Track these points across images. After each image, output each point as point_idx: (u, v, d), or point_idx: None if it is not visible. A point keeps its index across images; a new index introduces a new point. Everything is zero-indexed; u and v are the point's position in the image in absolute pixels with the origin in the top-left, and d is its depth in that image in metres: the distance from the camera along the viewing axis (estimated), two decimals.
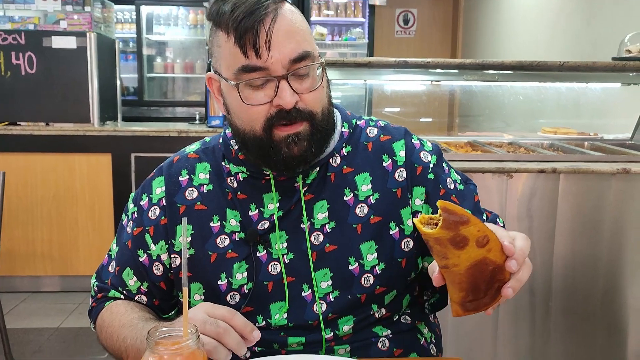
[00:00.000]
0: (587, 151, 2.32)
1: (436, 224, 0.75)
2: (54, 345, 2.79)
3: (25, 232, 3.32)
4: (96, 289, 1.10)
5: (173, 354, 0.74)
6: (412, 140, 1.08)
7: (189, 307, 0.86)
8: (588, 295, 2.11)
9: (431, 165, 1.06)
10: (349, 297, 1.02)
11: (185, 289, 0.79)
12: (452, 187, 1.06)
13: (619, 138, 2.66)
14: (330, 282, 1.02)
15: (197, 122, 3.76)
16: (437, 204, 0.76)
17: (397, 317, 1.09)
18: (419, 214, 1.04)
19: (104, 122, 3.44)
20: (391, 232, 1.03)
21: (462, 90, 3.04)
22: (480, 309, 0.80)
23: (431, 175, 1.05)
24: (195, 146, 1.11)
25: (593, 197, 2.06)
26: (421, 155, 1.06)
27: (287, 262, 1.01)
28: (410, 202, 1.04)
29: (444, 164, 1.09)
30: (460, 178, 1.10)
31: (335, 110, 1.07)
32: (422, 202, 1.04)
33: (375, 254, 1.02)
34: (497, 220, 1.12)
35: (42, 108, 3.31)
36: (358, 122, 1.09)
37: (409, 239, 1.04)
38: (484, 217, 1.10)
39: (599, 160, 2.16)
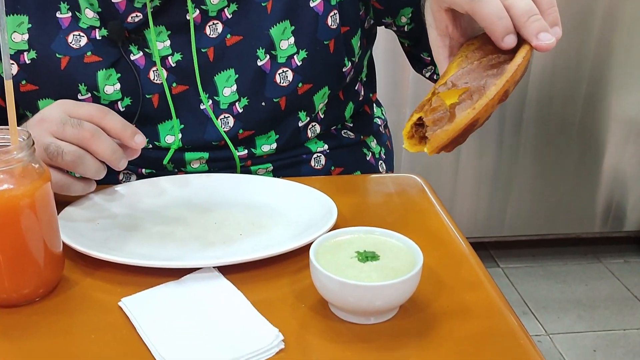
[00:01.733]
0: None
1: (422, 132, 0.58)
2: None
3: None
4: None
5: None
6: None
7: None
8: (567, 104, 2.04)
9: None
10: (263, 104, 0.85)
11: (9, 83, 0.58)
12: None
13: None
14: (234, 88, 0.83)
15: None
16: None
17: (336, 130, 0.95)
18: None
19: None
20: (312, 4, 0.83)
21: None
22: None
23: None
24: None
25: None
26: None
27: (173, 65, 0.83)
28: None
29: None
30: None
31: None
32: None
33: (292, 39, 0.83)
34: None
35: None
36: None
37: (335, 12, 0.85)
38: None
39: None
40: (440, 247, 0.71)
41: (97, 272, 0.65)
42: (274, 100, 0.85)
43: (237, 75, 0.84)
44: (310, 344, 0.55)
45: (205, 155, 0.86)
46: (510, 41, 0.57)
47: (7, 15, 0.81)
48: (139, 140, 0.74)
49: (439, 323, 0.58)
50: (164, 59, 0.83)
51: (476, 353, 0.55)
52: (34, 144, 0.59)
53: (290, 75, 0.84)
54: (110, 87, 0.82)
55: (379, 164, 1.02)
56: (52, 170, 0.70)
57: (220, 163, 0.87)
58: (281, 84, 0.85)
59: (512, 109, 2.03)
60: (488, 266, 0.67)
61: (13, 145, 0.59)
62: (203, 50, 0.83)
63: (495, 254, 2.25)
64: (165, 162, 0.86)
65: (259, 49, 0.83)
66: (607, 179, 2.15)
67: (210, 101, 0.85)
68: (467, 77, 0.56)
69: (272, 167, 0.90)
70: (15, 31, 0.81)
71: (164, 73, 0.83)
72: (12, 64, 0.83)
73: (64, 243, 0.65)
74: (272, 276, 0.65)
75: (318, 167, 0.93)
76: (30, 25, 0.81)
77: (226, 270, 0.64)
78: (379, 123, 1.05)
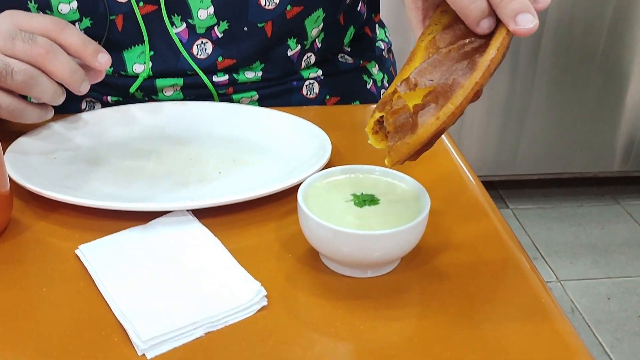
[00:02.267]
0: None
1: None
2: None
3: None
4: None
5: None
6: None
7: None
8: (590, 30, 1.95)
9: None
10: (245, 28, 0.77)
11: None
12: None
13: None
14: (211, 10, 0.76)
15: None
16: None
17: (332, 55, 0.89)
18: None
19: None
20: None
21: None
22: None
23: None
24: None
25: None
26: None
27: None
28: None
29: None
30: None
31: None
32: None
33: None
34: None
35: None
36: None
37: None
38: None
39: None
40: (447, 187, 0.66)
41: (52, 215, 0.60)
42: (259, 25, 0.78)
43: None
44: (298, 300, 0.50)
45: (180, 81, 0.80)
46: (486, 26, 0.49)
47: None
48: (103, 60, 0.68)
49: (444, 273, 0.53)
50: None
51: (485, 302, 0.50)
52: None
53: None
54: (66, 5, 0.74)
55: (381, 92, 0.95)
56: (1, 93, 0.64)
57: (198, 90, 0.81)
58: (266, 7, 0.77)
59: (528, 36, 1.95)
60: (497, 207, 0.63)
61: None
62: None
63: (504, 194, 2.22)
64: (132, 90, 0.79)
65: None
66: (630, 114, 2.10)
67: (184, 24, 0.77)
68: (433, 72, 0.49)
69: (257, 96, 0.84)
70: None
71: None
72: None
73: (14, 181, 0.59)
74: (255, 221, 0.59)
75: (311, 95, 0.87)
76: None
77: (202, 214, 0.59)
78: (382, 47, 0.98)
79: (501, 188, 2.23)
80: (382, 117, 0.52)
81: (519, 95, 2.04)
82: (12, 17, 0.66)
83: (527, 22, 0.47)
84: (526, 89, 2.03)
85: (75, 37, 0.66)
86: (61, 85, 0.66)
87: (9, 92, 0.65)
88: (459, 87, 0.47)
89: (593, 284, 1.83)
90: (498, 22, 0.49)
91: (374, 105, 0.89)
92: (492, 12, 0.48)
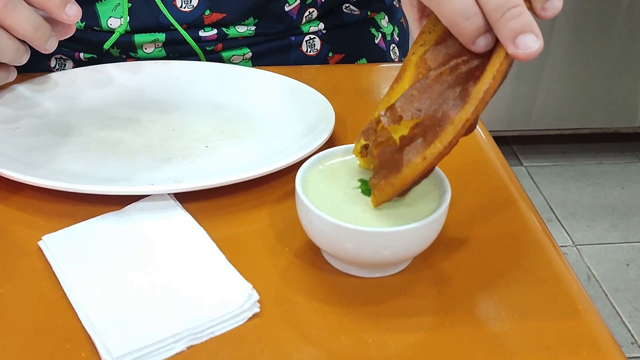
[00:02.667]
0: None
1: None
2: None
3: None
4: None
5: None
6: None
7: None
8: None
9: None
10: None
11: None
12: None
13: None
14: None
15: None
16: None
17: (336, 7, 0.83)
18: None
19: None
20: None
21: None
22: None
23: None
24: None
25: None
26: None
27: None
28: None
29: None
30: None
31: None
32: None
33: None
34: None
35: None
36: None
37: None
38: None
39: None
40: (465, 153, 0.61)
41: (12, 197, 0.54)
42: None
43: None
44: (295, 306, 0.46)
45: (162, 36, 0.74)
46: (482, 44, 0.44)
47: None
48: (72, 12, 0.61)
49: (466, 271, 0.48)
50: None
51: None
52: None
53: None
54: None
55: (391, 48, 0.89)
56: None
57: (182, 46, 0.75)
58: None
59: None
60: (510, 165, 0.59)
61: None
62: None
63: (518, 150, 2.17)
64: (106, 46, 0.73)
65: None
66: None
67: None
68: (421, 100, 0.44)
69: (250, 53, 0.78)
70: None
71: None
72: None
73: None
74: (246, 207, 0.54)
75: (311, 52, 0.81)
76: None
77: (184, 197, 0.53)
78: None
79: (515, 144, 2.18)
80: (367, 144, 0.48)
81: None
82: None
83: (529, 45, 0.42)
84: (544, 37, 1.96)
85: None
86: (24, 42, 0.60)
87: None
88: (448, 123, 0.43)
89: (611, 249, 1.79)
90: (497, 40, 0.43)
91: (383, 65, 0.85)
92: (490, 28, 0.43)
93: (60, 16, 0.61)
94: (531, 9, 0.44)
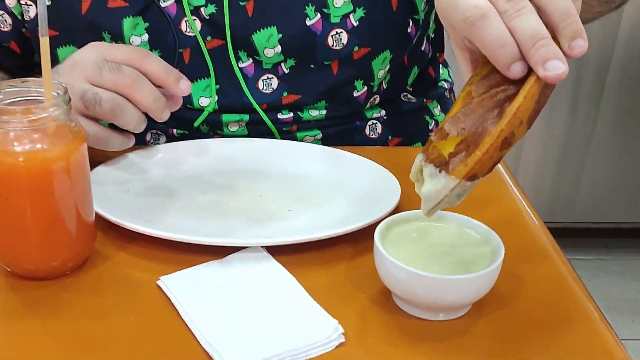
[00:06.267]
0: None
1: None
2: None
3: None
4: None
5: (26, 129, 0.60)
6: None
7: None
8: None
9: None
10: (312, 66, 0.87)
11: (45, 40, 0.61)
12: None
13: None
14: (279, 49, 0.85)
15: None
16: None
17: (395, 95, 0.98)
18: None
19: None
20: None
21: None
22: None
23: None
24: None
25: None
26: None
27: (206, 17, 0.85)
28: None
29: None
30: None
31: None
32: None
33: None
34: None
35: None
36: None
37: None
38: None
39: None
40: (516, 234, 0.73)
41: (130, 246, 0.69)
42: (325, 63, 0.87)
43: (280, 35, 0.85)
44: (372, 340, 0.58)
45: (245, 117, 0.89)
46: (517, 70, 0.53)
47: None
48: (185, 86, 0.77)
49: (516, 321, 0.60)
50: (196, 10, 0.84)
51: (556, 355, 0.57)
52: (70, 100, 0.62)
53: (345, 37, 0.86)
54: (137, 37, 0.85)
55: None
56: (88, 121, 0.74)
57: (262, 126, 0.90)
58: (334, 47, 0.86)
59: (593, 72, 2.01)
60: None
61: (47, 102, 0.62)
62: (242, 3, 0.84)
63: (561, 243, 2.23)
64: (196, 124, 0.89)
65: (308, 6, 0.84)
66: None
67: (251, 60, 0.87)
68: (465, 121, 0.56)
69: (320, 135, 0.93)
70: None
71: (198, 25, 0.85)
72: (30, 5, 0.86)
73: (95, 212, 0.68)
74: (327, 260, 0.68)
75: (373, 136, 0.95)
76: None
77: (275, 251, 0.67)
78: (445, 86, 1.06)
79: (557, 236, 2.25)
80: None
81: (580, 136, 2.09)
82: (98, 49, 0.76)
83: (557, 69, 0.51)
84: (587, 130, 2.09)
85: (157, 65, 0.76)
86: (144, 113, 0.76)
87: (95, 120, 0.74)
88: (486, 135, 0.54)
89: None
90: (531, 69, 0.54)
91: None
92: (523, 58, 0.53)
93: (175, 90, 0.77)
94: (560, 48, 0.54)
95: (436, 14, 1.00)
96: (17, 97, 0.62)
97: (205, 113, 0.88)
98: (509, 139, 0.54)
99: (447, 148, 0.56)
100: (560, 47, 0.53)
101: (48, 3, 0.84)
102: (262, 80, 0.88)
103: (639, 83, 2.03)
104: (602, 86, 2.03)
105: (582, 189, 2.16)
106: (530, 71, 0.54)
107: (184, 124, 0.90)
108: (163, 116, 0.76)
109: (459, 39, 0.59)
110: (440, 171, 0.56)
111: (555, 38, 0.54)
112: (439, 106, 1.04)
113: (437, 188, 0.56)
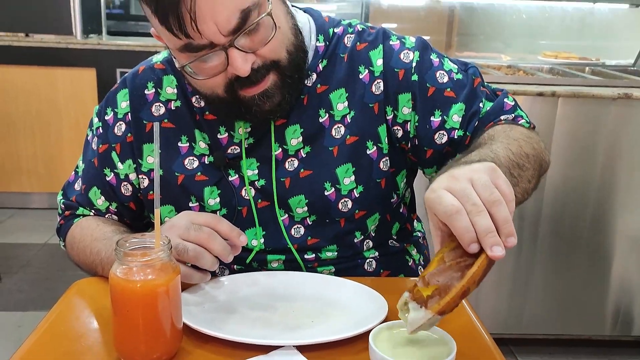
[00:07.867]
0: (587, 76, 2.22)
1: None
2: (41, 260, 2.77)
3: (9, 148, 3.22)
4: (63, 206, 1.03)
5: (143, 266, 0.68)
6: (391, 42, 0.95)
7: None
8: (576, 222, 2.09)
9: (413, 65, 0.93)
10: (327, 220, 0.96)
11: (157, 211, 0.71)
12: (444, 80, 0.93)
13: (622, 64, 2.56)
14: (306, 209, 0.95)
15: None
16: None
17: (384, 241, 1.05)
18: (408, 123, 0.94)
19: (87, 35, 3.25)
20: (368, 152, 0.94)
21: (462, 7, 2.88)
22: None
23: (415, 77, 0.93)
24: (162, 55, 0.98)
25: (590, 123, 1.98)
26: (401, 57, 0.93)
27: (259, 187, 0.95)
28: (386, 118, 0.94)
29: (432, 56, 0.95)
30: (457, 66, 0.96)
31: (309, 20, 0.95)
32: (410, 109, 0.94)
33: (353, 177, 0.94)
34: (505, 100, 0.95)
35: (20, 17, 3.11)
36: (336, 30, 0.95)
37: (387, 158, 0.95)
38: (480, 105, 0.94)
39: (599, 84, 2.07)
40: (467, 342, 0.77)
41: (206, 345, 0.75)
42: (336, 219, 0.96)
43: (307, 200, 0.95)
44: None
45: (283, 257, 0.97)
46: (474, 248, 0.63)
47: (144, 144, 0.96)
48: (243, 240, 0.85)
49: None
50: (252, 182, 0.95)
51: None
52: (171, 248, 0.71)
53: (349, 204, 0.96)
54: (213, 200, 0.95)
55: (419, 268, 1.10)
56: (180, 263, 0.81)
57: (294, 263, 0.98)
58: (342, 210, 0.96)
59: (529, 224, 2.09)
60: None
61: (157, 247, 0.71)
62: (282, 179, 0.95)
63: (515, 349, 2.23)
64: (247, 261, 0.97)
65: (326, 183, 0.95)
66: (615, 287, 2.14)
67: (286, 215, 0.96)
68: (439, 277, 0.65)
69: (334, 269, 1.00)
70: (149, 155, 0.96)
71: (252, 192, 0.95)
72: (144, 178, 0.97)
73: (183, 321, 0.75)
74: (338, 355, 0.73)
75: (370, 269, 1.02)
76: (159, 151, 0.95)
77: (303, 349, 0.73)
78: (419, 235, 1.14)
79: (512, 344, 2.25)
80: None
81: (523, 271, 2.13)
82: (188, 216, 0.85)
83: (499, 252, 0.62)
84: (529, 266, 2.13)
85: (226, 226, 0.84)
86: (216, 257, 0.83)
87: (183, 262, 0.83)
88: (453, 288, 0.63)
89: None
90: (482, 249, 0.63)
91: (414, 279, 1.04)
92: (479, 241, 0.62)
93: (236, 243, 0.85)
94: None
95: (411, 186, 1.11)
96: (137, 245, 0.72)
97: (254, 252, 0.96)
98: (466, 292, 0.63)
99: (427, 292, 0.65)
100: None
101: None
102: (294, 228, 0.96)
103: (562, 232, 2.09)
104: (535, 235, 2.10)
105: (527, 309, 2.15)
106: (481, 250, 0.63)
107: (240, 261, 0.97)
108: (229, 259, 0.84)
109: (436, 222, 0.66)
110: (421, 307, 0.64)
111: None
112: (415, 249, 1.11)
113: (419, 317, 0.64)
